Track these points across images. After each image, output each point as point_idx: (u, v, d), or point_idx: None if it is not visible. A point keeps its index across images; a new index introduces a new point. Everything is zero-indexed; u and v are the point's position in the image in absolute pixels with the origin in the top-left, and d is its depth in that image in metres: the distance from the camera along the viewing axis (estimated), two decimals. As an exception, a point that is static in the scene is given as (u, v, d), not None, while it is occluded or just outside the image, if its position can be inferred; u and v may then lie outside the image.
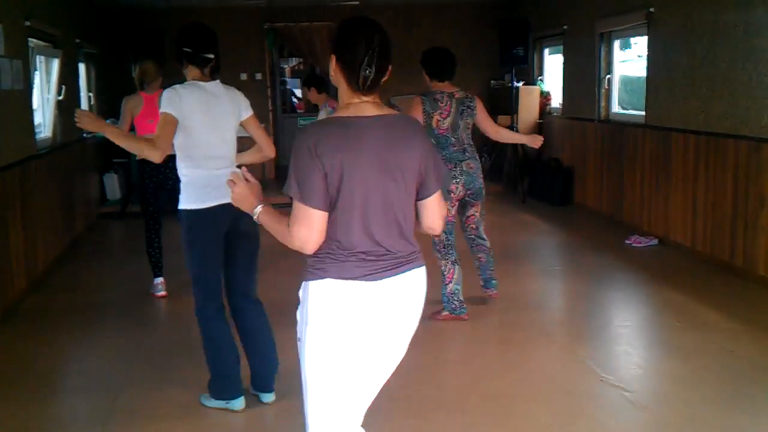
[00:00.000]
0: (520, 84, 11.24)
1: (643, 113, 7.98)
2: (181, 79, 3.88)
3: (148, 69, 6.12)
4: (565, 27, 10.07)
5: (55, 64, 8.03)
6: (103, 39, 10.77)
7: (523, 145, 10.57)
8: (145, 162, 5.86)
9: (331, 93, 7.71)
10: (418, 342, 5.01)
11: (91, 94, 10.34)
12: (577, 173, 9.83)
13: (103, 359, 4.94)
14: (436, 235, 2.26)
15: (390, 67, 2.46)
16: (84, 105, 9.85)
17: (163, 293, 6.17)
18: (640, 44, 8.84)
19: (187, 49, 3.80)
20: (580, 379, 4.35)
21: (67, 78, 8.49)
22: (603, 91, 9.05)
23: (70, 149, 8.53)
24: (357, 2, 11.62)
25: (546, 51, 11.55)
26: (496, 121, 11.29)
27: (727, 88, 6.38)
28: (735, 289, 5.98)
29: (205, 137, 3.80)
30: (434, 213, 2.56)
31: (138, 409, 4.12)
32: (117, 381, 4.52)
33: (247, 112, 3.96)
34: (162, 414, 4.05)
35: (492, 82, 12.38)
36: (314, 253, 2.41)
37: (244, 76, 11.78)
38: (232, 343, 3.96)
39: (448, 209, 5.00)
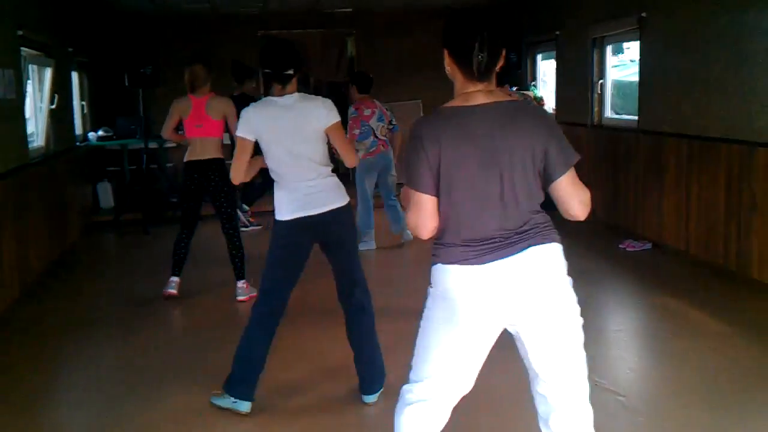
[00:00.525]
0: (514, 89, 11.23)
1: (636, 118, 7.99)
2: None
3: (198, 72, 6.03)
4: (557, 32, 10.08)
5: (48, 72, 8.03)
6: (95, 47, 10.75)
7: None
8: (189, 164, 6.02)
9: (373, 95, 7.73)
10: (403, 344, 5.00)
11: (84, 103, 10.33)
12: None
13: (96, 370, 4.92)
14: (576, 220, 2.29)
15: (504, 52, 2.52)
16: (77, 113, 9.84)
17: (172, 292, 6.19)
18: (632, 49, 8.86)
19: (267, 71, 3.92)
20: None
21: (60, 87, 8.49)
22: (596, 96, 9.06)
23: (63, 158, 8.51)
24: (350, 9, 11.63)
25: (539, 56, 11.57)
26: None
27: (720, 92, 6.40)
28: (728, 293, 5.98)
29: (277, 152, 3.90)
30: (569, 198, 2.54)
31: (131, 422, 4.10)
32: (110, 392, 4.50)
33: (327, 120, 3.92)
34: (155, 426, 4.04)
35: (350, 96, 12.37)
36: (433, 240, 2.54)
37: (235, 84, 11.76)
38: (263, 350, 4.03)
39: None
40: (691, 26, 6.82)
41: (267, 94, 4.02)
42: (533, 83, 11.61)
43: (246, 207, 9.27)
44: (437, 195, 2.48)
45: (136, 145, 10.10)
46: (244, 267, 6.22)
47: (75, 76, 9.80)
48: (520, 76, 11.48)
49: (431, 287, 2.58)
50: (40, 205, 7.25)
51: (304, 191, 3.89)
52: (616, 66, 9.35)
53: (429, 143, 2.45)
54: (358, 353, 4.13)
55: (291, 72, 3.90)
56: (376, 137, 7.63)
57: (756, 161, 5.98)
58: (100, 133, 10.25)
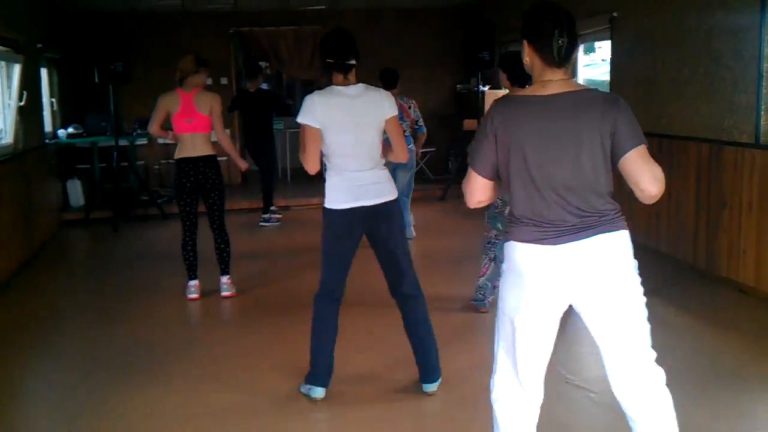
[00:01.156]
0: (486, 88, 11.30)
1: (607, 116, 8.03)
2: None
3: (188, 64, 5.91)
4: (529, 31, 10.11)
5: (17, 69, 7.93)
6: (65, 44, 10.64)
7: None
8: (182, 161, 5.88)
9: (397, 91, 7.76)
10: (385, 341, 5.00)
11: (53, 100, 10.22)
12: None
13: (69, 367, 4.88)
14: (649, 196, 2.47)
15: (578, 42, 2.69)
16: (47, 110, 9.74)
17: (195, 296, 6.12)
18: (604, 48, 8.93)
19: (330, 60, 3.91)
20: (545, 380, 4.35)
21: (29, 83, 8.39)
22: (567, 94, 9.10)
23: (32, 156, 8.41)
24: (323, 6, 11.61)
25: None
26: (462, 127, 11.37)
27: (689, 91, 6.47)
28: (698, 290, 6.05)
29: (341, 140, 3.91)
30: (639, 171, 2.55)
31: (101, 416, 4.07)
32: (80, 388, 4.47)
33: (390, 112, 4.00)
34: (128, 417, 4.02)
35: (458, 86, 12.43)
36: (508, 218, 2.73)
37: (209, 81, 11.68)
38: (330, 337, 4.10)
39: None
40: (661, 26, 6.88)
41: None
42: (505, 82, 11.65)
43: (272, 207, 9.40)
44: (491, 179, 2.67)
45: (107, 143, 10.01)
46: (230, 262, 6.22)
47: (44, 73, 9.69)
48: (493, 74, 11.52)
49: (503, 264, 2.77)
50: (9, 203, 7.16)
51: (359, 181, 3.94)
52: (588, 65, 9.42)
53: (499, 128, 2.59)
54: (415, 342, 4.20)
55: (353, 62, 3.94)
56: None
57: (724, 159, 6.05)
58: (70, 130, 10.14)
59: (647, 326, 2.74)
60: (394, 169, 7.80)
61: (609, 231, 2.61)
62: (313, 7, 11.63)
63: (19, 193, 7.64)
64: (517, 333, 2.73)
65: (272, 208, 9.39)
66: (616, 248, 2.63)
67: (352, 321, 4.81)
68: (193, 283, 6.15)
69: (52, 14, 10.19)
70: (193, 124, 5.86)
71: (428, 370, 4.19)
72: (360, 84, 3.99)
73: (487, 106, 11.07)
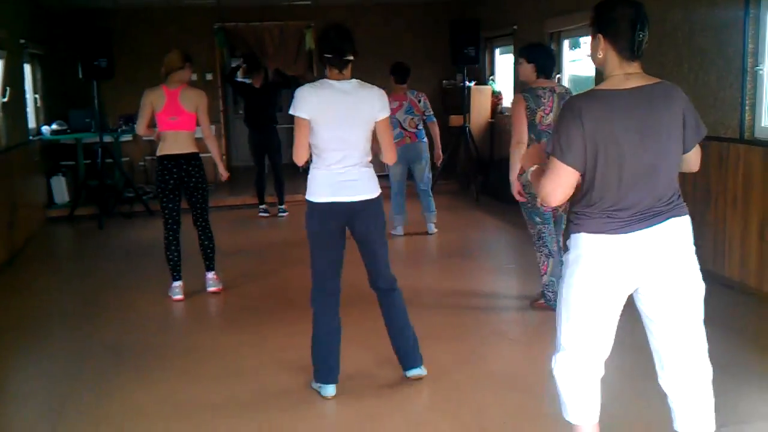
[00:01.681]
0: (472, 84, 11.31)
1: (593, 112, 8.06)
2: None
3: (172, 58, 5.82)
4: (514, 27, 10.15)
5: (-1, 65, 7.88)
6: (49, 39, 10.56)
7: (476, 145, 10.66)
8: (164, 157, 5.80)
9: (409, 85, 7.79)
10: (364, 337, 5.00)
11: (37, 96, 10.14)
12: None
13: (53, 365, 4.85)
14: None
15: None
16: (30, 106, 9.66)
17: (179, 297, 6.03)
18: (589, 44, 8.94)
19: (328, 55, 3.92)
20: (534, 377, 4.37)
21: (12, 79, 8.33)
22: (553, 90, 9.12)
23: (16, 152, 8.35)
24: (309, 2, 11.58)
25: (497, 51, 11.63)
26: (448, 123, 11.35)
27: (674, 86, 6.48)
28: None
29: (327, 134, 3.91)
30: (694, 160, 2.94)
31: (87, 415, 4.06)
32: (64, 387, 4.45)
33: (381, 112, 4.02)
34: (112, 416, 4.01)
35: (444, 81, 12.44)
36: (575, 211, 2.81)
37: (194, 77, 11.60)
38: (332, 334, 4.11)
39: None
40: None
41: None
42: (492, 77, 11.67)
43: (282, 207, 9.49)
44: (580, 170, 2.69)
45: (91, 139, 9.95)
46: (215, 258, 6.21)
47: (28, 69, 9.61)
48: (478, 70, 11.54)
49: (570, 254, 2.85)
50: (-8, 200, 7.12)
51: (342, 176, 3.95)
52: (573, 60, 9.44)
53: (587, 120, 2.64)
54: (392, 329, 4.26)
55: (351, 57, 3.94)
56: (403, 129, 7.71)
57: (709, 154, 6.07)
58: (54, 126, 10.06)
59: (702, 316, 2.91)
60: (408, 164, 7.85)
61: (679, 215, 2.82)
62: (299, 3, 11.60)
63: (2, 190, 7.59)
64: (588, 315, 2.84)
65: (264, 203, 9.49)
66: (684, 232, 2.87)
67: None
68: (177, 284, 6.07)
69: (36, 10, 10.11)
70: (177, 121, 5.79)
71: (408, 355, 4.27)
72: (354, 80, 4.00)
73: (473, 102, 11.12)
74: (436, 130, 8.01)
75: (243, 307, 5.88)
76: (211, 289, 6.19)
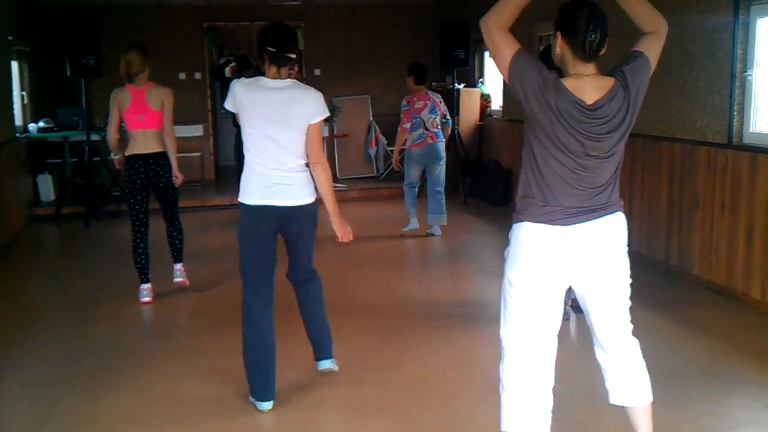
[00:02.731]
0: (461, 86, 11.31)
1: (582, 116, 8.07)
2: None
3: (133, 59, 5.71)
4: (505, 30, 10.13)
5: (-14, 61, 7.82)
6: (36, 36, 10.49)
7: (464, 147, 10.67)
8: (132, 157, 5.72)
9: (401, 86, 7.82)
10: (358, 340, 4.99)
11: (24, 93, 10.08)
12: (517, 174, 9.91)
13: (38, 369, 4.80)
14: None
15: (608, 40, 2.83)
16: (17, 104, 9.59)
17: (148, 299, 5.94)
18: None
19: (272, 49, 3.83)
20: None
21: (-1, 76, 8.27)
22: (542, 93, 9.12)
23: (2, 150, 8.28)
24: (298, 2, 11.55)
25: (486, 53, 11.63)
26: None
27: (662, 91, 6.50)
28: (670, 289, 6.09)
29: (255, 132, 3.85)
30: (653, 40, 3.11)
31: (74, 416, 4.03)
32: (50, 388, 4.41)
33: (314, 115, 3.88)
34: (101, 421, 3.97)
35: (433, 83, 12.42)
36: (517, 200, 2.89)
37: (182, 76, 11.62)
38: (266, 341, 3.97)
39: None
40: (634, 26, 6.90)
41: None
42: (481, 80, 11.68)
43: None
44: (511, 49, 2.78)
45: (78, 137, 9.89)
46: (183, 250, 6.21)
47: (15, 66, 9.55)
48: (468, 72, 11.54)
49: (510, 246, 2.93)
50: (-23, 198, 7.05)
51: (275, 179, 3.86)
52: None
53: (552, 86, 2.72)
54: (307, 319, 4.24)
55: (293, 55, 3.87)
56: (426, 129, 7.71)
57: (697, 159, 6.10)
58: (41, 124, 10.00)
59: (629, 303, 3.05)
60: (426, 164, 7.83)
61: (616, 211, 2.90)
62: (288, 3, 11.57)
63: (-12, 187, 7.53)
64: (527, 312, 2.90)
65: None
66: (619, 228, 2.93)
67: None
68: (146, 286, 5.98)
69: (24, 6, 10.05)
70: (144, 119, 5.72)
71: (321, 346, 4.27)
72: (289, 80, 3.90)
73: (462, 104, 11.11)
74: (447, 133, 8.04)
75: (216, 310, 5.83)
76: (177, 280, 6.18)
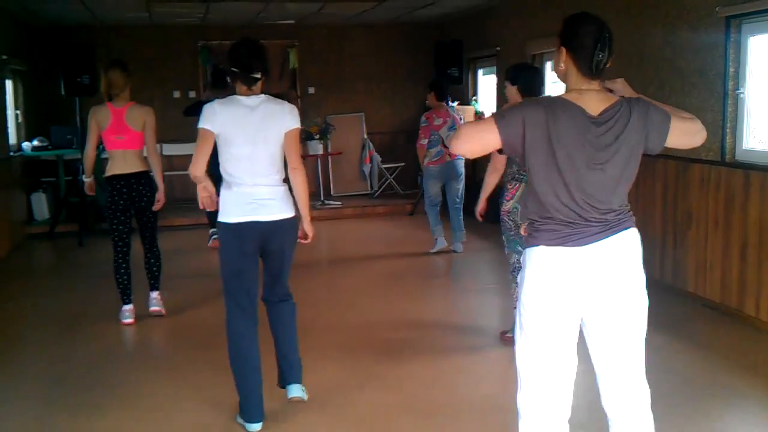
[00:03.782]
0: (455, 104, 11.32)
1: (575, 133, 8.10)
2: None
3: (115, 79, 5.62)
4: (497, 48, 10.21)
5: (-19, 80, 7.82)
6: (31, 55, 10.50)
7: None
8: (114, 177, 5.63)
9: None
10: (349, 360, 4.97)
11: (18, 112, 10.07)
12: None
13: (29, 387, 4.78)
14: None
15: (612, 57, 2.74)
16: (11, 122, 9.59)
17: (129, 321, 5.84)
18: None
19: (235, 69, 3.83)
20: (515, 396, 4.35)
21: (-7, 95, 8.26)
22: (536, 111, 9.16)
23: (-4, 168, 8.28)
24: (293, 21, 11.60)
25: (480, 71, 11.69)
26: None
27: (656, 109, 6.53)
28: (665, 307, 6.08)
29: (235, 151, 3.83)
30: (686, 137, 2.90)
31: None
32: (39, 409, 4.40)
33: (289, 124, 3.90)
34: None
35: (427, 101, 12.45)
36: (529, 223, 2.76)
37: (177, 94, 11.63)
38: (252, 360, 3.93)
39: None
40: (627, 45, 6.96)
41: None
42: (474, 98, 11.73)
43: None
44: (501, 145, 2.65)
45: (72, 156, 9.88)
46: (160, 278, 6.09)
47: (9, 85, 9.55)
48: (462, 90, 11.58)
49: (525, 271, 2.76)
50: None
51: (253, 196, 3.84)
52: (555, 82, 9.49)
53: (546, 118, 2.61)
54: (279, 342, 4.12)
55: (258, 75, 3.85)
56: (444, 146, 7.74)
57: (691, 177, 6.13)
58: (35, 143, 9.98)
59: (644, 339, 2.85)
60: (445, 181, 7.85)
61: (628, 227, 2.80)
62: (283, 22, 11.62)
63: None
64: (543, 342, 2.74)
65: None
66: (635, 244, 2.84)
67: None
68: (128, 307, 5.88)
69: (18, 25, 10.06)
70: (124, 140, 5.61)
71: (290, 370, 4.12)
72: (262, 95, 3.90)
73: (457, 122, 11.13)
74: None
75: (198, 333, 5.79)
76: (153, 308, 6.04)
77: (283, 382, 4.16)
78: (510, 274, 5.27)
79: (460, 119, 7.97)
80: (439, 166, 7.87)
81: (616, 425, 2.88)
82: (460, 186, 8.04)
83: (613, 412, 2.87)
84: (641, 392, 2.86)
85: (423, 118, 7.89)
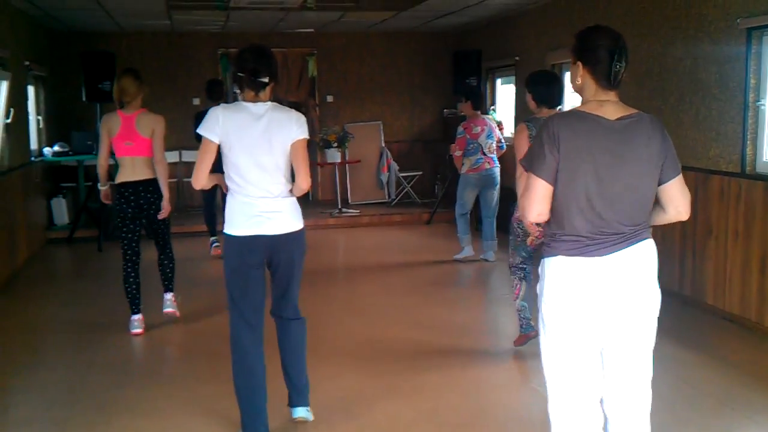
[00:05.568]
0: (494, 112, 11.33)
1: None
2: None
3: (127, 86, 5.63)
4: (516, 58, 10.20)
5: (4, 86, 7.88)
6: (52, 61, 10.61)
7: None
8: (122, 185, 5.63)
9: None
10: (366, 369, 4.97)
11: (39, 117, 10.17)
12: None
13: (52, 390, 4.80)
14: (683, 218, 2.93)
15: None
16: (32, 128, 9.68)
17: (138, 331, 5.79)
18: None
19: (241, 74, 3.74)
20: (534, 407, 4.34)
21: (16, 101, 8.34)
22: (554, 121, 9.15)
23: (17, 173, 8.36)
24: (312, 30, 11.65)
25: (498, 81, 11.68)
26: (448, 151, 11.37)
27: (675, 121, 6.52)
28: (685, 318, 6.06)
29: (240, 160, 3.70)
30: (676, 198, 2.85)
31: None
32: (57, 416, 4.40)
33: (296, 134, 3.74)
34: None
35: (445, 110, 12.48)
36: (549, 234, 2.75)
37: (197, 101, 11.68)
38: (257, 381, 3.82)
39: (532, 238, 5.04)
40: (647, 56, 6.95)
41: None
42: (492, 107, 11.71)
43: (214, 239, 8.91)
44: (552, 184, 2.67)
45: (93, 161, 9.92)
46: (174, 279, 6.10)
47: (31, 90, 9.64)
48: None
49: (544, 281, 2.78)
50: (-8, 221, 7.10)
51: (259, 209, 3.72)
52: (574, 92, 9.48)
53: (563, 139, 2.64)
54: (288, 362, 4.01)
55: (266, 80, 3.74)
56: (484, 154, 7.79)
57: (710, 188, 6.10)
58: (56, 148, 10.07)
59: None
60: (481, 189, 7.86)
61: (646, 239, 2.83)
62: (302, 30, 11.67)
63: (3, 210, 7.58)
64: (568, 351, 2.75)
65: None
66: (651, 254, 2.86)
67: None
68: (137, 317, 5.83)
69: (40, 32, 10.17)
70: (133, 147, 5.61)
71: (299, 392, 4.03)
72: (269, 102, 3.77)
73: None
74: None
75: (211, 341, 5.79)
76: (167, 310, 6.05)
77: (290, 403, 4.09)
78: (511, 273, 5.34)
79: (496, 127, 8.02)
80: (478, 174, 7.89)
81: (614, 428, 2.89)
82: (496, 194, 8.06)
83: (613, 415, 2.88)
84: (644, 399, 2.87)
85: (460, 129, 7.88)
